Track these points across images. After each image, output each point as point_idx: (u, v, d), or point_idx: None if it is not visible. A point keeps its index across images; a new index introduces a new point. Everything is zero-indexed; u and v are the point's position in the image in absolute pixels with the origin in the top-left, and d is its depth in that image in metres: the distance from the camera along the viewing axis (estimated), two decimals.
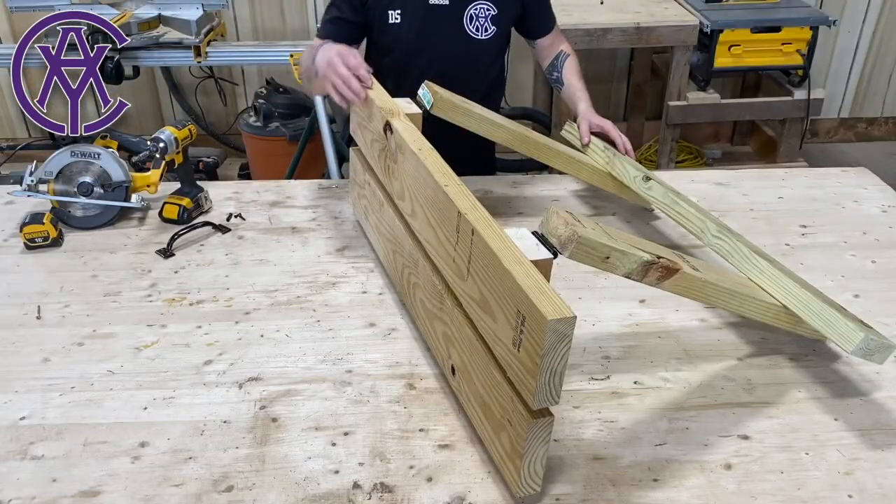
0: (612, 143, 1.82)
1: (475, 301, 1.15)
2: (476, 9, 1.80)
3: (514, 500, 1.11)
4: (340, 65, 1.52)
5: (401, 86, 1.90)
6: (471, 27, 1.81)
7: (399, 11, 1.77)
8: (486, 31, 1.82)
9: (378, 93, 1.63)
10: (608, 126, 1.82)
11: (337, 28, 1.80)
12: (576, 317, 0.95)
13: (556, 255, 1.08)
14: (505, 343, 1.06)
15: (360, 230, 1.78)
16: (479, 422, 1.19)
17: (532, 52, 2.01)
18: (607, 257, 1.09)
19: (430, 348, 1.39)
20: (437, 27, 1.79)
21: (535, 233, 1.11)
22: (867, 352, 1.23)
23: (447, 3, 1.78)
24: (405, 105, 1.58)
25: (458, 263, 1.20)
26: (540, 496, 1.12)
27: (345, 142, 2.92)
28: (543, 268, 1.06)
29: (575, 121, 1.88)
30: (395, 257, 1.53)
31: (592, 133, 1.83)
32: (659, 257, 1.14)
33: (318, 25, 1.85)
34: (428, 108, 1.59)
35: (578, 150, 1.85)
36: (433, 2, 1.77)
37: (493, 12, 1.82)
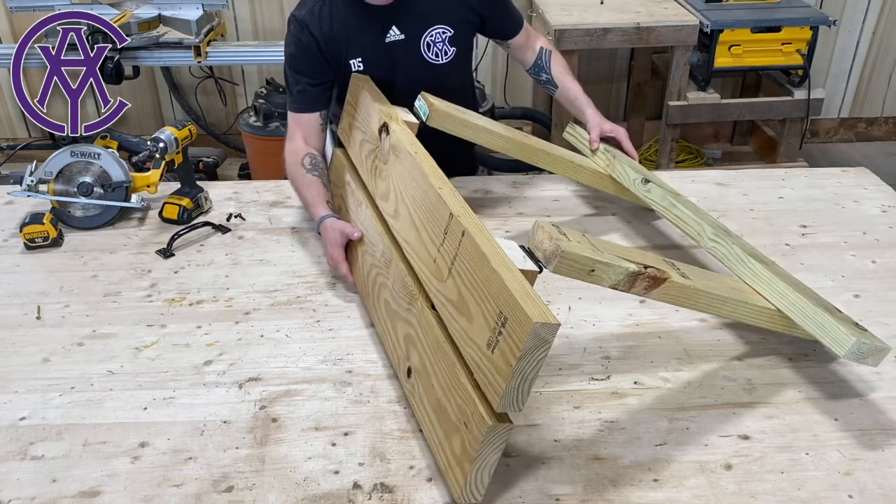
0: (621, 150, 1.81)
1: (451, 302, 1.15)
2: (432, 35, 1.75)
3: (514, 500, 1.11)
4: (330, 260, 1.61)
5: None
6: (430, 54, 1.76)
7: (360, 59, 1.73)
8: (447, 54, 1.77)
9: (377, 97, 1.63)
10: (621, 135, 1.81)
11: (312, 97, 1.76)
12: (559, 324, 0.95)
13: (541, 270, 1.08)
14: (478, 344, 1.06)
15: None
16: (429, 425, 1.18)
17: (508, 52, 1.95)
18: (592, 270, 1.09)
19: (386, 349, 1.39)
20: (398, 63, 1.74)
21: (522, 246, 1.11)
22: (860, 355, 1.22)
23: (403, 36, 1.73)
24: (402, 114, 1.59)
25: (440, 264, 1.20)
26: (540, 495, 1.12)
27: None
28: (528, 279, 1.06)
29: (577, 123, 1.88)
30: (363, 258, 1.53)
31: (601, 139, 1.82)
32: (646, 267, 1.13)
33: (288, 97, 1.79)
34: (424, 120, 1.59)
35: (579, 152, 1.85)
36: (389, 39, 1.73)
37: (449, 33, 1.76)
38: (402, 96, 1.65)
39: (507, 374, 0.98)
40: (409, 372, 1.27)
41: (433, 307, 1.22)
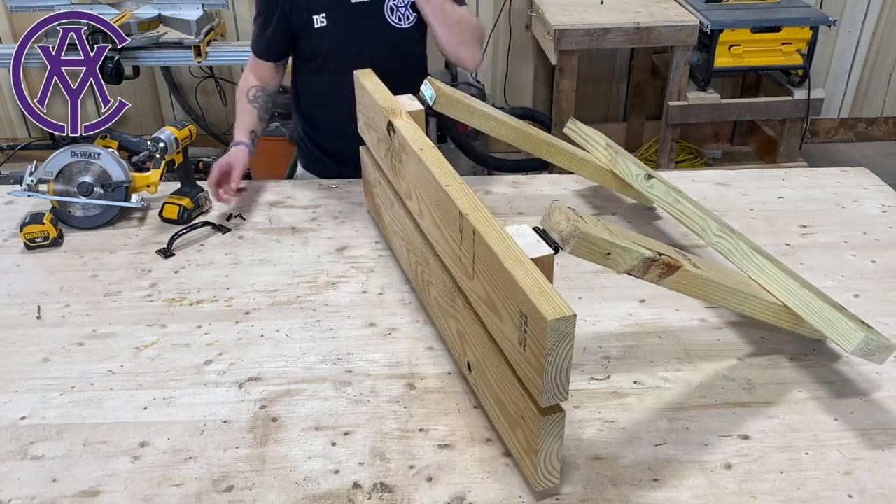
0: None
1: (482, 300, 1.15)
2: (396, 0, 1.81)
3: (514, 500, 1.11)
4: (212, 183, 1.82)
5: (334, 90, 1.90)
6: (393, 18, 1.80)
7: (323, 15, 1.77)
8: (409, 19, 1.82)
9: (379, 91, 1.63)
10: None
11: (265, 43, 1.93)
12: (575, 315, 0.95)
13: (557, 251, 1.08)
14: (512, 341, 1.06)
15: (361, 230, 1.79)
16: (496, 417, 1.20)
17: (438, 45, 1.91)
18: (608, 253, 1.09)
19: (447, 345, 1.39)
20: (362, 25, 1.79)
21: (536, 228, 1.11)
22: (867, 352, 1.23)
23: None
24: (407, 102, 1.59)
25: (464, 262, 1.21)
26: (540, 495, 1.12)
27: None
28: (545, 264, 1.06)
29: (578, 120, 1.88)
30: (409, 255, 1.54)
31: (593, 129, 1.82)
32: (660, 254, 1.14)
33: (253, 31, 1.96)
34: (430, 105, 1.59)
35: (581, 147, 1.85)
36: (355, 0, 1.77)
37: None
38: (366, 62, 1.68)
39: (540, 370, 0.99)
40: (469, 367, 1.28)
41: (471, 304, 1.23)
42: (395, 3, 1.80)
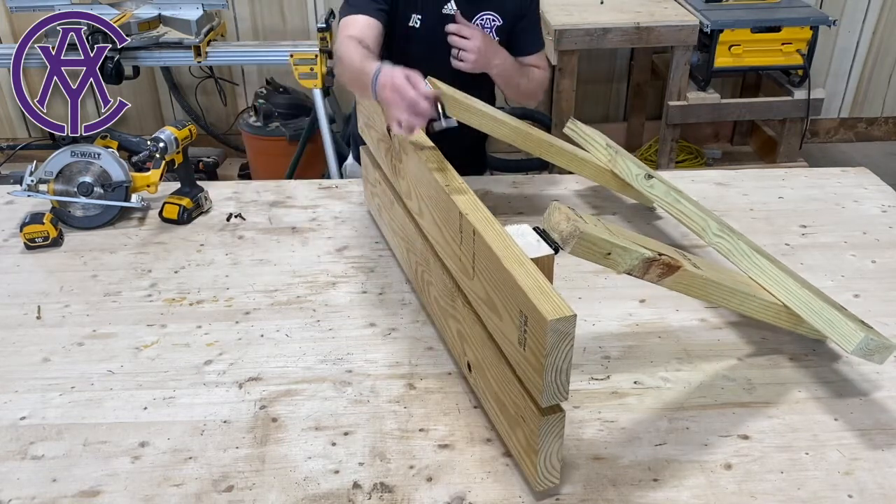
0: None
1: (482, 300, 1.16)
2: (482, 19, 1.80)
3: (514, 500, 1.11)
4: (408, 88, 1.34)
5: None
6: None
7: (420, 16, 1.78)
8: (493, 40, 1.80)
9: None
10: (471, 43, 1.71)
11: (373, 8, 1.69)
12: (576, 315, 0.95)
13: (557, 251, 1.08)
14: (512, 341, 1.06)
15: (361, 230, 1.79)
16: (496, 417, 1.20)
17: None
18: (608, 253, 1.09)
19: (447, 345, 1.39)
20: (447, 35, 1.78)
21: (536, 228, 1.12)
22: (867, 352, 1.23)
23: (455, 12, 1.78)
24: None
25: (464, 262, 1.21)
26: (540, 495, 1.12)
27: (345, 141, 2.91)
28: (545, 264, 1.06)
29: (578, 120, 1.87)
30: (409, 255, 1.54)
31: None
32: (660, 254, 1.14)
33: (343, 8, 1.72)
34: None
35: (581, 147, 1.85)
36: (445, 11, 1.77)
37: (498, 23, 1.82)
38: (435, 73, 1.60)
39: (540, 370, 0.99)
40: (469, 367, 1.28)
41: (471, 304, 1.23)
42: (482, 22, 1.80)
